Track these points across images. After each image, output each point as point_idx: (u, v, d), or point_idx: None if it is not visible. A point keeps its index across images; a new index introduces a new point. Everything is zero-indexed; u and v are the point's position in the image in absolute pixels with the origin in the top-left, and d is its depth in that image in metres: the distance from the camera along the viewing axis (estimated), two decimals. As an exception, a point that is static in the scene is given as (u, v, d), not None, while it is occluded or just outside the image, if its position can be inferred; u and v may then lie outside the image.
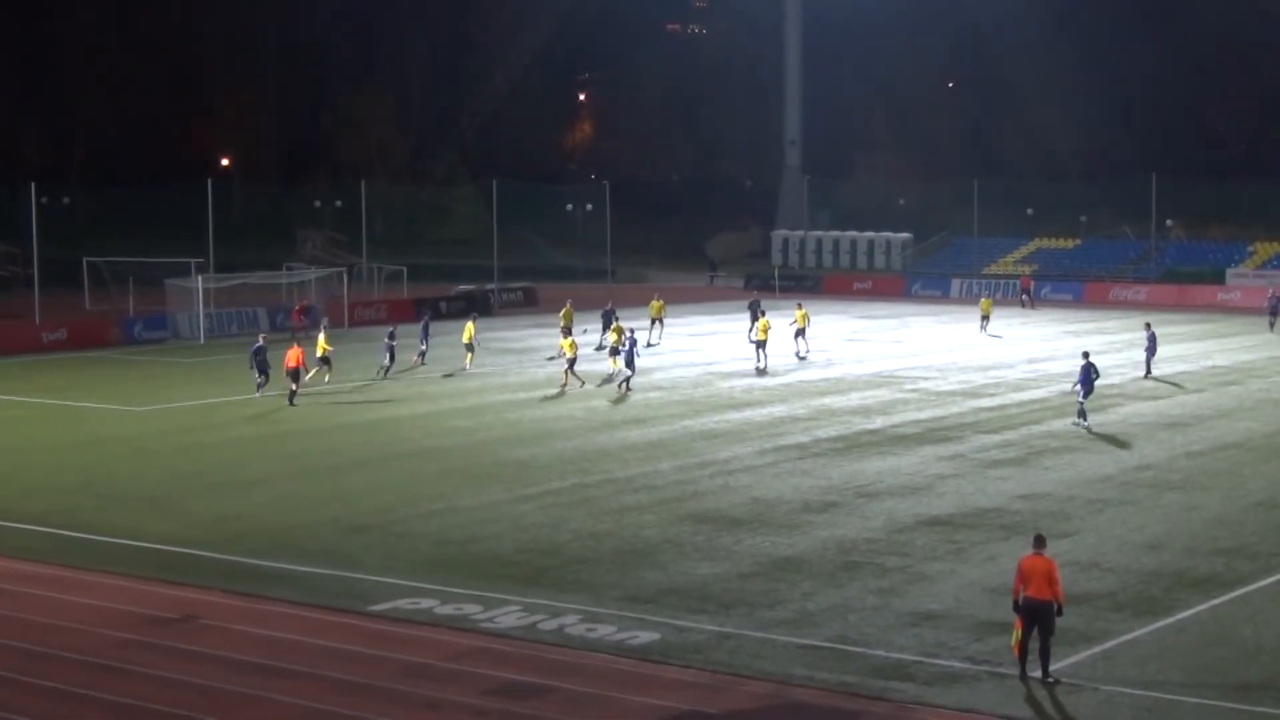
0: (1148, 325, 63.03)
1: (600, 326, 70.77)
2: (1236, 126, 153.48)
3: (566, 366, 57.94)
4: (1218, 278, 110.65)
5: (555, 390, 57.04)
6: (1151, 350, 61.39)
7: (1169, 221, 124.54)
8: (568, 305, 72.15)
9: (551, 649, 26.24)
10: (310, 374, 56.80)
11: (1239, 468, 42.29)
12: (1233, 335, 79.06)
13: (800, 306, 71.58)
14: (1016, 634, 24.37)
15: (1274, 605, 28.57)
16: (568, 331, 65.74)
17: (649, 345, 71.00)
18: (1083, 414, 48.61)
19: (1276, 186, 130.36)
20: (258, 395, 55.71)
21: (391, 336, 63.01)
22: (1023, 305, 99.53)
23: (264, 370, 55.72)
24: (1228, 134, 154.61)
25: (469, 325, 65.27)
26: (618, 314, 69.93)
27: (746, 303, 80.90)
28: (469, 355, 64.19)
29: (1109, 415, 51.44)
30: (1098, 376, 49.88)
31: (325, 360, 58.77)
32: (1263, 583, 29.99)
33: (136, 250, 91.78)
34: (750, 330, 69.18)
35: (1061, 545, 32.58)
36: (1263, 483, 40.03)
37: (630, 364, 57.38)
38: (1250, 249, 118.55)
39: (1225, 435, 47.40)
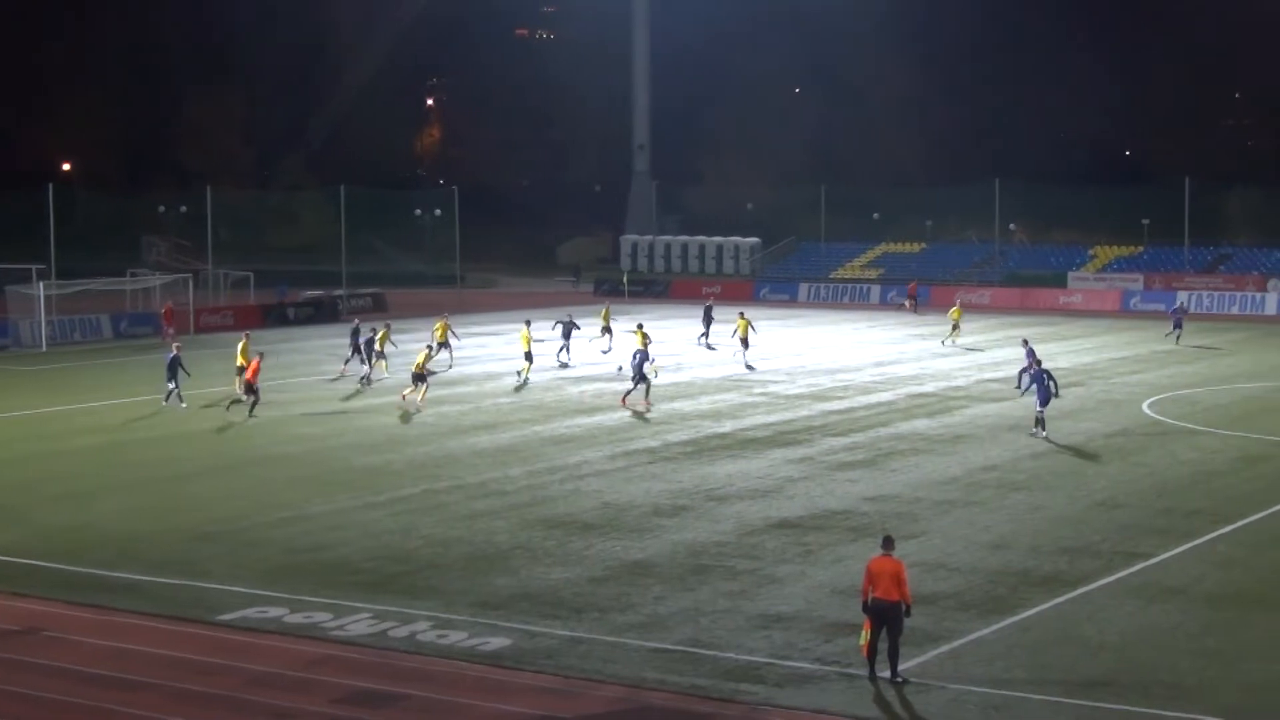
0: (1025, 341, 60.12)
1: (561, 336, 68.99)
2: (1079, 132, 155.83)
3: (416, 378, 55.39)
4: (1060, 281, 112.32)
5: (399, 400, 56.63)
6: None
7: (1012, 226, 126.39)
8: (443, 320, 69.40)
9: (402, 656, 26.12)
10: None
11: (1082, 468, 42.96)
12: (1075, 338, 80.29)
13: (742, 315, 71.54)
14: (865, 635, 24.58)
15: (1116, 603, 29.04)
16: (439, 347, 64.96)
17: (604, 353, 70.49)
18: (1040, 423, 47.98)
19: (1117, 191, 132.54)
20: (165, 403, 54.58)
21: (357, 334, 63.33)
22: (907, 309, 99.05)
23: (174, 379, 54.36)
24: (1070, 139, 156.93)
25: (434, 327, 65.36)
26: (577, 323, 69.71)
27: (703, 308, 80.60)
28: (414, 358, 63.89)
29: (954, 417, 52.10)
30: (1053, 383, 48.06)
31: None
32: (1105, 581, 30.47)
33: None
34: (704, 337, 74.64)
35: (909, 546, 32.93)
36: (1105, 482, 40.67)
37: (640, 377, 55.05)
38: (1091, 253, 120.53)
39: (1068, 436, 48.08)
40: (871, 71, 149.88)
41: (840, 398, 57.47)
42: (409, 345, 67.36)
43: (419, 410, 53.05)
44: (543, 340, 67.40)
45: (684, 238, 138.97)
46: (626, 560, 32.30)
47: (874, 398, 57.52)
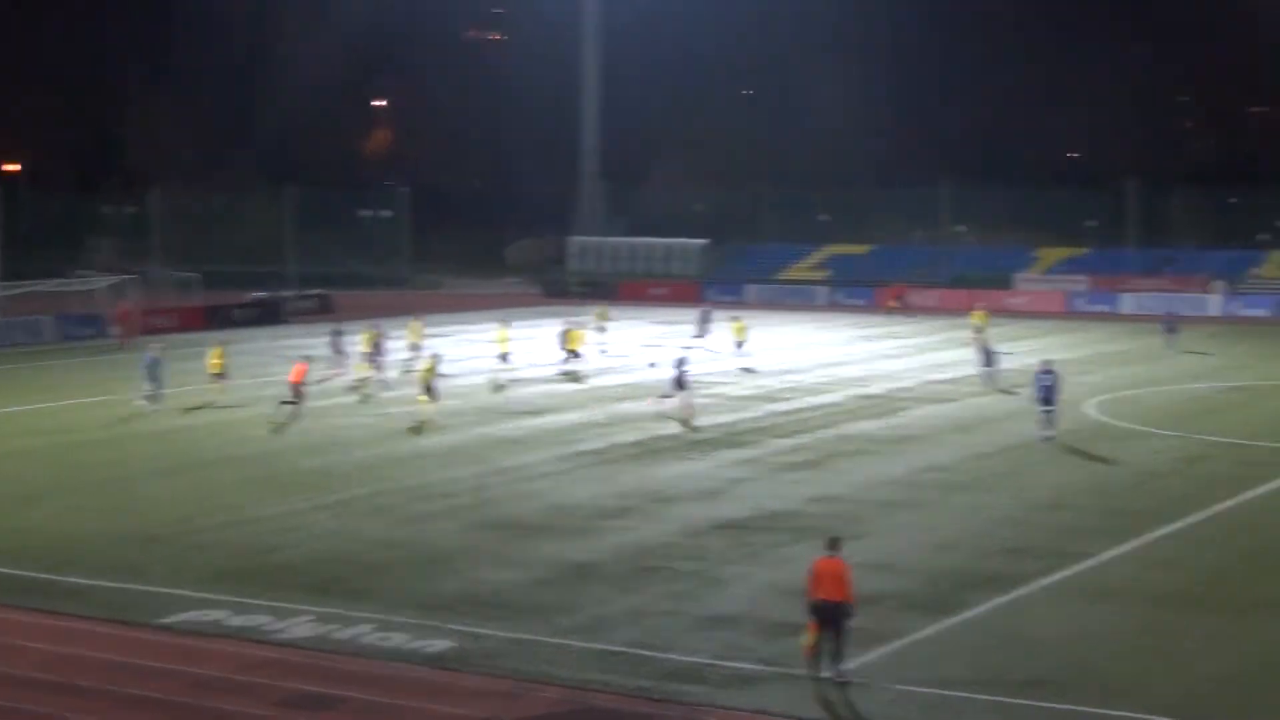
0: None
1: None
2: (1024, 133, 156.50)
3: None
4: (1005, 282, 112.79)
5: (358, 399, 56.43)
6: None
7: (959, 227, 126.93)
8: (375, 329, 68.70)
9: (345, 659, 26.08)
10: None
11: (1024, 469, 43.20)
12: (1019, 339, 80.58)
13: (737, 319, 71.91)
14: (809, 636, 24.68)
15: (1056, 603, 29.24)
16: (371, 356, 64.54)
17: (603, 352, 70.61)
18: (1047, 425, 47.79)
19: (1063, 193, 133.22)
20: (144, 404, 54.13)
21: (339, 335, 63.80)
22: (894, 309, 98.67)
23: (156, 379, 54.15)
24: (1016, 141, 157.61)
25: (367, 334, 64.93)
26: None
27: (699, 311, 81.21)
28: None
29: (900, 418, 52.35)
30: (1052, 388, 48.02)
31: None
32: (1047, 581, 30.65)
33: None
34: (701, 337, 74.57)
35: (854, 547, 32.90)
36: (1047, 483, 40.92)
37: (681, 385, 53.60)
38: (1037, 254, 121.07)
39: (1011, 437, 48.35)
40: (819, 73, 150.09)
41: (787, 399, 57.63)
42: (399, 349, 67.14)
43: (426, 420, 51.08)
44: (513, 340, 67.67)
45: (632, 239, 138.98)
46: (571, 562, 32.33)
47: (821, 399, 57.69)
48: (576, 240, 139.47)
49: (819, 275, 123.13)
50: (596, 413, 53.81)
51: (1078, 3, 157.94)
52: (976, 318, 75.49)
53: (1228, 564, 32.36)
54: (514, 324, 64.10)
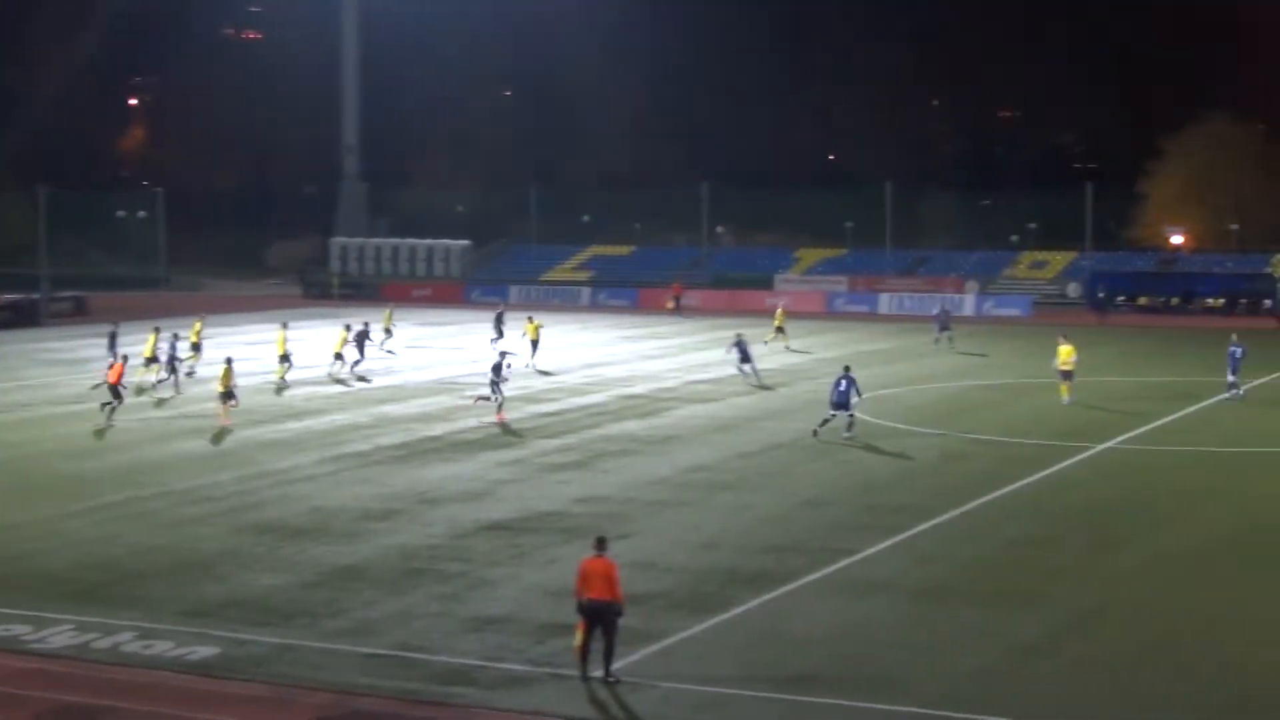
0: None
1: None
2: (783, 136, 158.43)
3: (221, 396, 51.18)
4: (766, 283, 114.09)
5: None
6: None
7: (719, 228, 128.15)
8: (195, 319, 66.43)
9: (108, 668, 25.54)
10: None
11: (788, 467, 43.71)
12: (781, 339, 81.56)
13: (531, 319, 71.52)
14: (579, 635, 24.70)
15: (822, 599, 29.61)
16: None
17: (526, 367, 68.68)
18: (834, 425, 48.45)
19: (821, 195, 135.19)
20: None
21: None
22: (670, 310, 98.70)
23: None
24: (775, 143, 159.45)
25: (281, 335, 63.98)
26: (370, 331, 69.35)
27: (494, 314, 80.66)
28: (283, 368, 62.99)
29: (664, 418, 52.67)
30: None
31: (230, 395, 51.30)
32: (812, 577, 31.03)
33: None
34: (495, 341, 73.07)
35: (620, 546, 33.16)
36: (810, 481, 41.46)
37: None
38: (796, 255, 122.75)
39: (775, 436, 48.91)
40: (581, 74, 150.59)
41: (551, 400, 57.69)
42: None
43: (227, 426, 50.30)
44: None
45: (394, 240, 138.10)
46: (337, 565, 32.02)
47: (585, 399, 57.85)
48: (338, 241, 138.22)
49: (582, 276, 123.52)
50: (359, 415, 53.39)
51: (833, 8, 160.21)
52: (778, 319, 78.13)
53: (987, 557, 33.04)
54: (290, 326, 63.36)
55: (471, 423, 51.25)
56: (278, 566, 31.94)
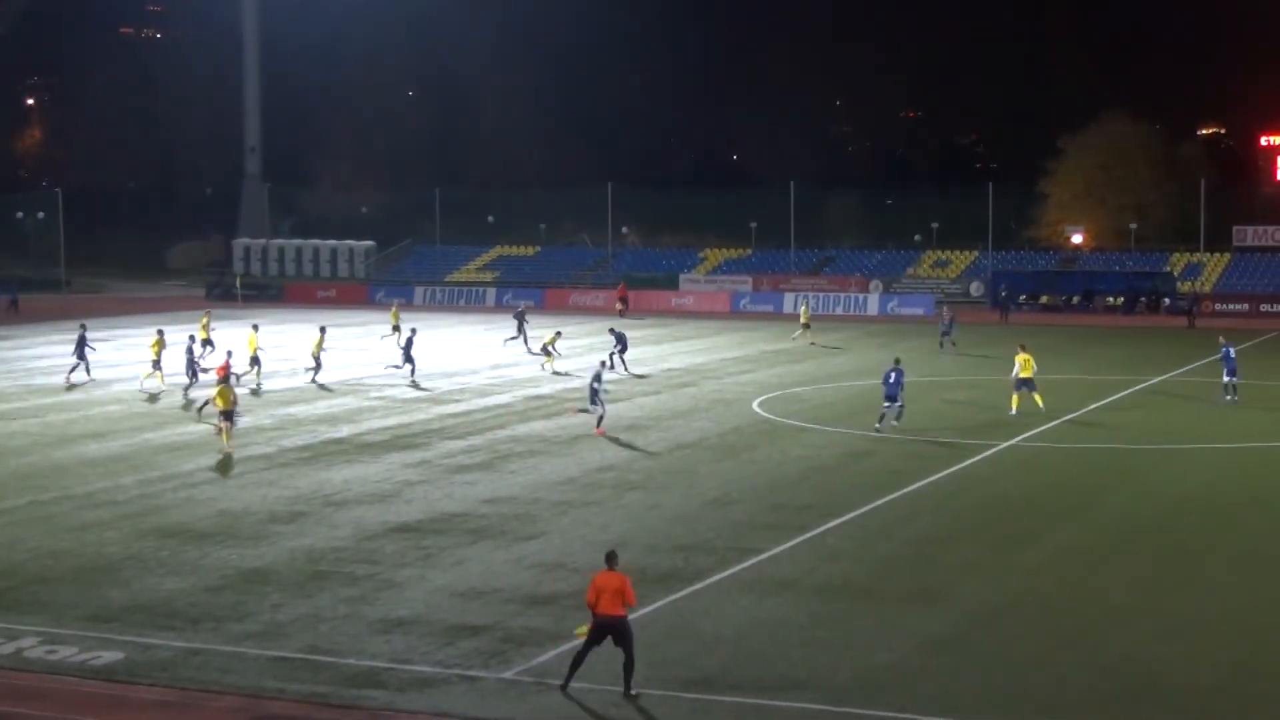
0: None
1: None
2: (688, 136, 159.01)
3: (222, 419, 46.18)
4: (672, 283, 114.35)
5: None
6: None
7: (625, 229, 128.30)
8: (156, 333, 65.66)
9: (11, 674, 25.23)
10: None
11: (695, 466, 43.78)
12: (687, 339, 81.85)
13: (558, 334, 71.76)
14: (582, 644, 24.22)
15: (730, 598, 29.67)
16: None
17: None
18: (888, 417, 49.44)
19: (726, 195, 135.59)
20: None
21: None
22: (619, 311, 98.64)
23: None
24: (679, 144, 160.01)
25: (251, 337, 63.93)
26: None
27: (513, 313, 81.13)
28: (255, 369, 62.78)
29: (574, 418, 52.59)
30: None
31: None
32: (719, 576, 31.10)
33: None
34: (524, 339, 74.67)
35: (528, 547, 33.20)
36: (717, 480, 41.53)
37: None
38: (701, 255, 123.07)
39: (682, 435, 49.00)
40: (485, 75, 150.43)
41: (457, 400, 57.53)
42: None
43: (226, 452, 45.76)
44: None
45: (298, 241, 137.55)
46: (243, 568, 31.80)
47: (491, 400, 57.74)
48: (241, 242, 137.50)
49: (487, 277, 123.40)
50: (263, 416, 53.05)
51: (736, 9, 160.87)
52: (804, 316, 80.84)
53: (893, 554, 33.21)
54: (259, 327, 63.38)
55: (376, 424, 51.00)
56: (182, 570, 31.67)
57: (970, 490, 40.50)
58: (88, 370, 62.36)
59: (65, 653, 26.20)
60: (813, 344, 77.53)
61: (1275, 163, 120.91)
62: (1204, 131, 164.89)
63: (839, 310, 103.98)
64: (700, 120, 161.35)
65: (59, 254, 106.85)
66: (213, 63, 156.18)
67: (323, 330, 66.43)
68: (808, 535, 34.69)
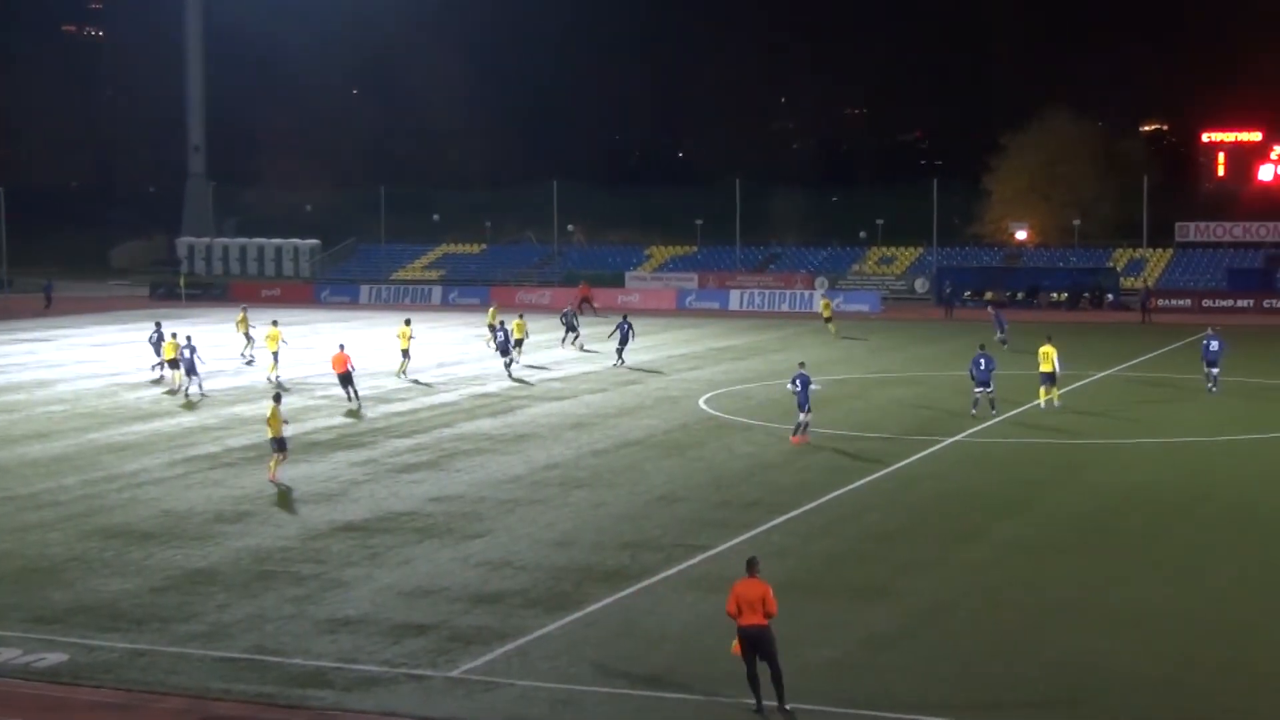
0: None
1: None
2: (632, 135, 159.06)
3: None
4: (618, 281, 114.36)
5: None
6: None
7: (570, 226, 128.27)
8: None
9: (-48, 677, 25.11)
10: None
11: (641, 463, 43.80)
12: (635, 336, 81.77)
13: (520, 316, 72.11)
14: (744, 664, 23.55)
15: (677, 595, 29.70)
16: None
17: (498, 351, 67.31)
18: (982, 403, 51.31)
19: (672, 192, 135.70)
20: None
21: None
22: (595, 312, 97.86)
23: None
24: (625, 141, 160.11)
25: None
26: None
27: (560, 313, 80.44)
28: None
29: (517, 416, 52.61)
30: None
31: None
32: (666, 574, 31.13)
33: None
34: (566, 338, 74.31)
35: (474, 546, 33.16)
36: (664, 478, 41.57)
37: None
38: (647, 252, 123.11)
39: (628, 433, 49.02)
40: (429, 73, 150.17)
41: (403, 399, 57.42)
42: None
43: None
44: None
45: (242, 240, 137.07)
46: (188, 569, 31.67)
47: (437, 398, 57.65)
48: (185, 241, 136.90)
49: (433, 275, 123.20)
50: (208, 416, 52.85)
51: (682, 7, 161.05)
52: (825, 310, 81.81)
53: (837, 551, 33.30)
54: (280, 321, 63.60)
55: (322, 423, 50.85)
56: (127, 571, 31.52)
57: (915, 486, 40.64)
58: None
59: (8, 655, 26.04)
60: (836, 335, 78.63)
61: (1217, 159, 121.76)
62: (1146, 128, 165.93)
63: (784, 307, 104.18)
64: (646, 118, 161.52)
65: (0, 253, 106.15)
66: (155, 61, 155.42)
67: (275, 323, 66.54)
68: (753, 532, 34.74)
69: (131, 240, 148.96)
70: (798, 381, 46.81)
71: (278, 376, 62.00)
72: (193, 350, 58.95)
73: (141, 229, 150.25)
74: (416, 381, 62.57)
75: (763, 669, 23.36)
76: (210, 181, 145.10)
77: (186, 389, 58.38)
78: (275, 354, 63.30)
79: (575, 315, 78.72)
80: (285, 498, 38.89)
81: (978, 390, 51.42)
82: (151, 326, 67.50)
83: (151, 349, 65.09)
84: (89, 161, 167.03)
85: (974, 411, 51.11)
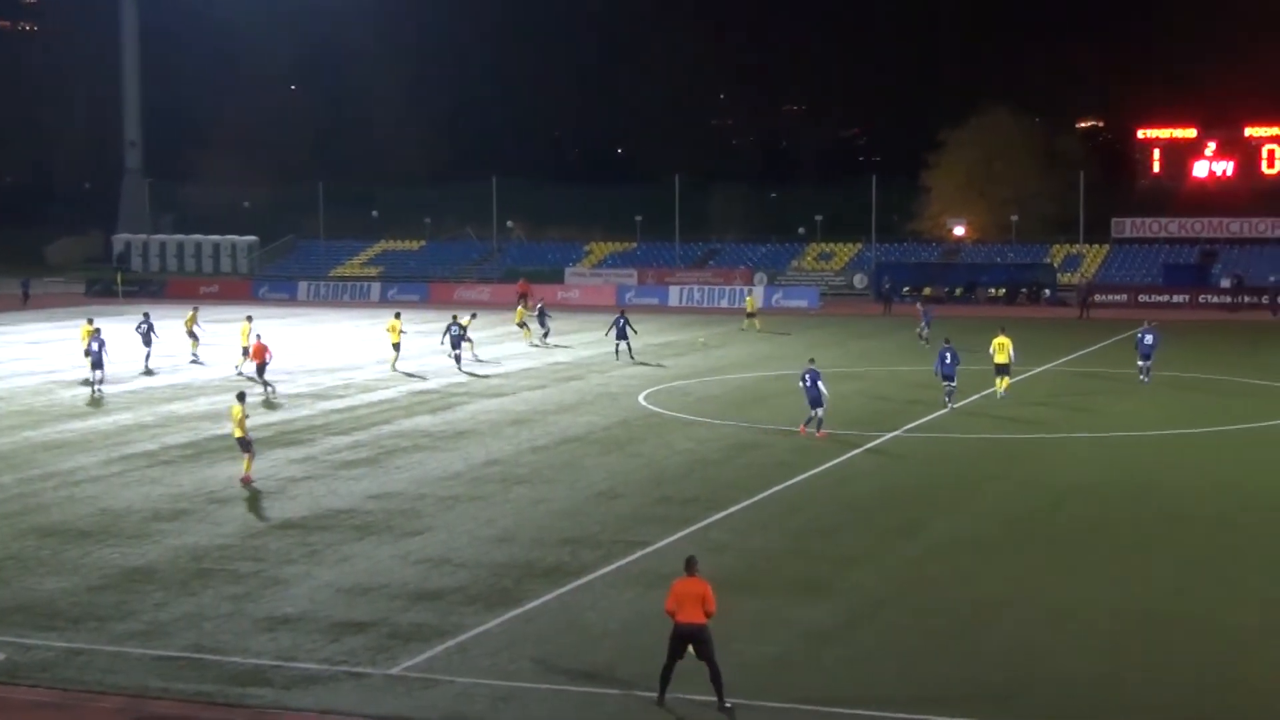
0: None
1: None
2: (571, 132, 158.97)
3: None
4: (558, 277, 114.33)
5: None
6: None
7: (510, 223, 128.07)
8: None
9: (-114, 678, 24.88)
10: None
11: (581, 460, 43.80)
12: (573, 332, 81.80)
13: (474, 316, 72.72)
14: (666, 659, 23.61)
15: (617, 591, 29.70)
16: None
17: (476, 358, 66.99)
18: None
19: (611, 188, 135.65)
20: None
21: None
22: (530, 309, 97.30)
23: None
24: (564, 137, 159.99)
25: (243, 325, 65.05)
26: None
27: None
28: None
29: (456, 413, 52.52)
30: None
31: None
32: (605, 570, 31.12)
33: None
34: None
35: (414, 543, 33.08)
36: (603, 474, 41.57)
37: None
38: (587, 249, 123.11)
39: (568, 429, 49.01)
40: (368, 69, 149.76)
41: (342, 396, 57.26)
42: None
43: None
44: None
45: (179, 236, 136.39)
46: (125, 567, 31.48)
47: (376, 395, 57.50)
48: (121, 238, 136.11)
49: (372, 272, 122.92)
50: (145, 414, 52.56)
51: (622, 3, 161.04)
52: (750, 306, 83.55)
53: (779, 547, 33.35)
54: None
55: (260, 420, 50.60)
56: (63, 569, 31.31)
57: (855, 481, 40.76)
58: None
59: (-56, 655, 25.86)
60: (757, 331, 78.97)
61: (1152, 156, 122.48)
62: (1083, 125, 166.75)
63: (723, 303, 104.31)
64: (585, 114, 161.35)
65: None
66: (91, 56, 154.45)
67: (249, 318, 66.69)
68: (693, 528, 34.78)
69: (67, 237, 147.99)
70: (808, 378, 47.03)
71: (271, 389, 60.83)
72: (101, 344, 58.64)
73: (77, 226, 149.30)
74: (408, 374, 62.81)
75: (700, 668, 23.31)
76: (147, 178, 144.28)
77: (94, 382, 58.17)
78: (246, 349, 62.77)
79: (546, 313, 78.30)
80: (221, 496, 38.70)
81: (946, 383, 52.44)
82: (135, 322, 68.73)
83: (140, 339, 66.78)
84: (24, 158, 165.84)
85: (948, 403, 52.21)
